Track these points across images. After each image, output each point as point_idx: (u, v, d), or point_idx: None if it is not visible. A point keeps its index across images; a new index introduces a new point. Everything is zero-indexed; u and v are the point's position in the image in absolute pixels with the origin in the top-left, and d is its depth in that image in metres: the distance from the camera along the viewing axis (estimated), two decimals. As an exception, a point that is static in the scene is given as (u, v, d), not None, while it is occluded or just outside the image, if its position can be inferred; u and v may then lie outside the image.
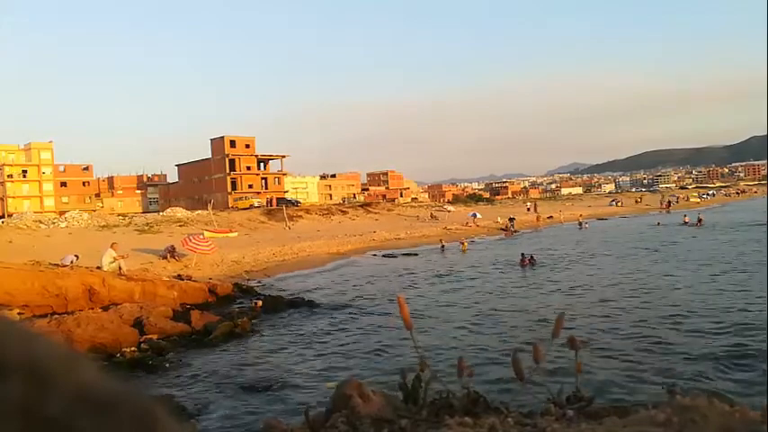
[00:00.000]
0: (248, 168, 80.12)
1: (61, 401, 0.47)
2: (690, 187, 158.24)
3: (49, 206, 76.12)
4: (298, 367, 11.05)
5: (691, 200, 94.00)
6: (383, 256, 32.04)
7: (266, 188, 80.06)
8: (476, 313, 15.51)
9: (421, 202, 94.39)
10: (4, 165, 79.27)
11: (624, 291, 18.07)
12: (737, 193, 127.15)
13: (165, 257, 26.61)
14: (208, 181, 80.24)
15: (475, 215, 54.18)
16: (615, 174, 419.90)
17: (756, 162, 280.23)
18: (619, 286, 19.05)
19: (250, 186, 78.36)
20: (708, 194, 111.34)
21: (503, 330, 13.35)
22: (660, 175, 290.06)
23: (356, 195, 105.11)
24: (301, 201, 75.90)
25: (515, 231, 47.30)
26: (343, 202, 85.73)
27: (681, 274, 20.97)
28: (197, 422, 8.18)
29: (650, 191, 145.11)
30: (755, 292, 16.34)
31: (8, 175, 78.86)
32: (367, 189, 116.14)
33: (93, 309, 14.16)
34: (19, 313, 13.30)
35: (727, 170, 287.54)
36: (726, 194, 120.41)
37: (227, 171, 77.86)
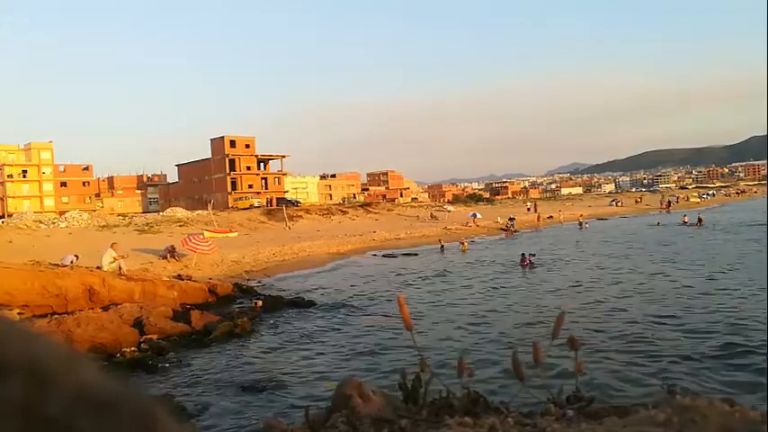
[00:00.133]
0: (248, 168, 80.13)
1: (61, 401, 0.47)
2: (690, 187, 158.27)
3: (49, 206, 76.14)
4: (298, 367, 11.05)
5: (691, 200, 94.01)
6: (383, 256, 32.04)
7: (266, 188, 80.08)
8: (476, 313, 15.51)
9: (421, 202, 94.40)
10: (4, 165, 79.29)
11: (624, 291, 18.07)
12: (737, 193, 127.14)
13: (165, 257, 26.61)
14: (208, 181, 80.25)
15: (475, 215, 54.19)
16: (615, 174, 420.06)
17: (756, 162, 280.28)
18: (619, 286, 19.05)
19: (250, 186, 78.37)
20: (708, 194, 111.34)
21: (503, 330, 13.35)
22: (660, 175, 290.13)
23: (356, 195, 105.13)
24: (301, 201, 75.92)
25: (515, 231, 47.31)
26: (343, 202, 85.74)
27: (680, 275, 20.96)
28: (197, 422, 8.18)
29: (650, 191, 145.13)
30: (754, 292, 16.37)
31: (8, 175, 78.87)
32: (367, 189, 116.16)
33: (93, 309, 14.15)
34: (19, 313, 13.30)
35: (727, 170, 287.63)
36: (726, 194, 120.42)
37: (227, 171, 77.87)
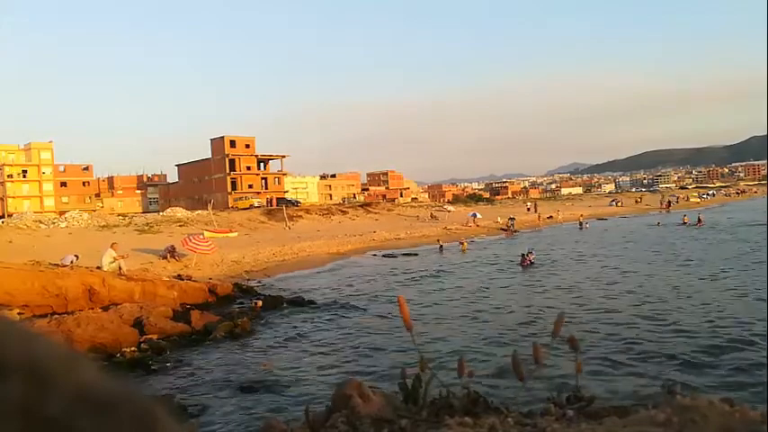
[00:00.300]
0: (248, 168, 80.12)
1: (61, 401, 0.47)
2: (690, 187, 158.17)
3: (49, 206, 76.12)
4: (298, 367, 11.05)
5: (691, 200, 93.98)
6: (383, 256, 32.05)
7: (266, 188, 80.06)
8: (476, 313, 15.51)
9: (421, 202, 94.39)
10: (4, 165, 79.27)
11: (624, 291, 18.08)
12: (737, 193, 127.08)
13: (165, 257, 26.61)
14: (208, 181, 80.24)
15: (475, 215, 54.18)
16: (615, 174, 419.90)
17: (756, 162, 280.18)
18: (618, 286, 19.06)
19: (250, 186, 78.36)
20: (708, 194, 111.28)
21: (503, 330, 13.35)
22: (660, 175, 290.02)
23: (356, 195, 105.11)
24: (301, 201, 75.90)
25: (515, 231, 47.32)
26: (343, 202, 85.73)
27: (680, 275, 20.99)
28: (197, 422, 8.18)
29: (650, 191, 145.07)
30: (754, 292, 16.41)
31: (8, 175, 78.86)
32: (367, 189, 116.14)
33: (93, 309, 14.15)
34: (19, 313, 13.30)
35: (727, 170, 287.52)
36: (726, 194, 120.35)
37: (227, 171, 77.87)
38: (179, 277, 19.74)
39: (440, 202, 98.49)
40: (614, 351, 11.05)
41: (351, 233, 42.32)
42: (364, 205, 68.67)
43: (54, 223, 38.84)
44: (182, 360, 11.70)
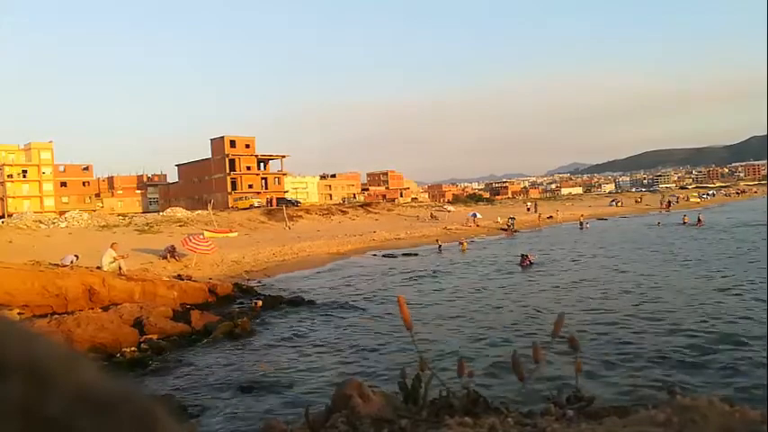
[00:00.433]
0: (248, 168, 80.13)
1: (61, 401, 0.47)
2: (690, 187, 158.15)
3: (49, 206, 76.14)
4: (297, 367, 11.05)
5: (691, 200, 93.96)
6: (383, 256, 32.04)
7: (266, 188, 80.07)
8: (476, 313, 15.52)
9: (421, 202, 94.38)
10: (4, 165, 79.28)
11: (624, 292, 18.08)
12: (737, 193, 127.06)
13: (165, 257, 26.62)
14: (208, 181, 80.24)
15: (475, 215, 54.19)
16: (615, 174, 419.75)
17: (756, 162, 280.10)
18: (619, 287, 19.05)
19: (250, 186, 78.37)
20: (708, 194, 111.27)
21: (503, 330, 13.35)
22: (660, 175, 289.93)
23: (356, 195, 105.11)
24: (301, 201, 75.90)
25: (515, 231, 47.32)
26: (343, 202, 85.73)
27: (679, 275, 21.00)
28: (197, 422, 8.18)
29: (650, 191, 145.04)
30: (751, 292, 16.41)
31: (8, 175, 78.87)
32: (367, 189, 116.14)
33: (93, 309, 14.15)
34: (19, 313, 13.30)
35: (727, 170, 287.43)
36: (726, 194, 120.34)
37: (227, 171, 77.87)
38: (179, 277, 19.74)
39: (440, 202, 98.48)
40: (613, 351, 11.04)
41: (351, 233, 42.32)
42: (364, 205, 68.67)
43: (54, 223, 38.84)
44: (182, 360, 11.70)
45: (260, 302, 16.64)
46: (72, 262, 18.93)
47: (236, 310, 16.21)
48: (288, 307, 16.82)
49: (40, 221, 39.18)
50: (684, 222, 45.59)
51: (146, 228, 39.46)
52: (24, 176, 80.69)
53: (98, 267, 18.36)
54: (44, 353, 0.50)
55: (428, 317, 14.98)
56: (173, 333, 13.35)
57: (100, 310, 13.92)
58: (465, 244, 34.79)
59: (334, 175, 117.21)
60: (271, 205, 62.43)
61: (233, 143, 79.50)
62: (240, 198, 72.62)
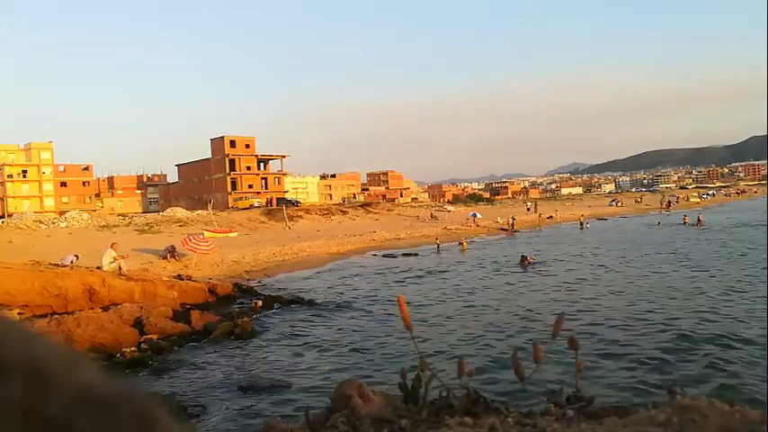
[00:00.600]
0: (248, 168, 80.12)
1: (61, 401, 0.47)
2: (690, 187, 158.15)
3: (49, 206, 76.12)
4: (297, 367, 11.05)
5: (691, 200, 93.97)
6: (383, 256, 32.05)
7: (266, 188, 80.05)
8: (475, 313, 15.53)
9: (421, 202, 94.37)
10: (4, 165, 79.26)
11: (623, 292, 18.10)
12: (737, 193, 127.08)
13: (165, 257, 26.62)
14: (208, 181, 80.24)
15: (475, 215, 54.20)
16: (615, 174, 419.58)
17: (756, 162, 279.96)
18: (618, 287, 19.07)
19: (250, 186, 78.36)
20: (708, 194, 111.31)
21: (503, 330, 13.36)
22: (660, 175, 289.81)
23: (356, 195, 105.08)
24: (301, 201, 75.89)
25: (515, 231, 47.33)
26: (343, 202, 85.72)
27: (678, 276, 21.01)
28: (197, 422, 8.18)
29: (650, 191, 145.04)
30: (749, 292, 16.44)
31: (8, 175, 78.86)
32: (367, 189, 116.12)
33: (93, 309, 14.15)
34: (19, 313, 13.30)
35: (727, 170, 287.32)
36: (726, 194, 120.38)
37: (227, 171, 77.87)
38: (179, 277, 19.74)
39: (440, 202, 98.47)
40: (605, 350, 11.05)
41: (351, 233, 42.33)
42: (364, 205, 68.66)
43: (54, 223, 38.84)
44: (182, 360, 11.70)
45: (260, 302, 16.65)
46: (72, 262, 18.93)
47: (236, 310, 16.21)
48: (288, 307, 16.83)
49: (40, 221, 39.18)
50: (685, 222, 45.59)
51: (146, 228, 39.46)
52: (24, 176, 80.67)
53: (98, 267, 18.36)
54: (44, 353, 0.50)
55: (428, 317, 14.98)
56: (173, 333, 13.35)
57: (100, 310, 13.92)
58: (465, 244, 34.79)
59: (334, 175, 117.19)
60: (271, 205, 62.41)
61: (233, 143, 79.48)
62: (240, 198, 72.62)
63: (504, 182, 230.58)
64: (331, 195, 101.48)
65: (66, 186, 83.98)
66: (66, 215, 43.28)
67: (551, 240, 38.78)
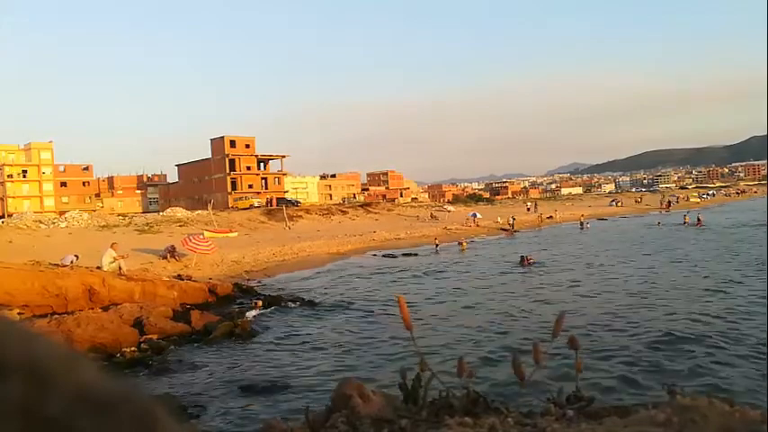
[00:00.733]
0: (248, 168, 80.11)
1: (61, 401, 0.47)
2: (690, 187, 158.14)
3: (49, 206, 76.11)
4: (297, 367, 11.05)
5: (691, 200, 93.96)
6: (383, 256, 32.05)
7: (266, 188, 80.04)
8: (475, 313, 15.53)
9: (421, 202, 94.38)
10: (4, 165, 79.25)
11: (623, 292, 18.09)
12: (737, 193, 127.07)
13: (165, 257, 26.62)
14: (208, 181, 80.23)
15: (475, 215, 54.21)
16: (615, 174, 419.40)
17: (756, 162, 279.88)
18: (617, 288, 19.07)
19: (250, 186, 78.35)
20: (708, 194, 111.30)
21: (503, 330, 13.36)
22: (660, 175, 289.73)
23: (356, 195, 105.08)
24: (301, 201, 75.88)
25: (515, 231, 47.34)
26: (343, 202, 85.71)
27: (676, 277, 21.01)
28: (197, 422, 8.18)
29: (650, 191, 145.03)
30: (748, 291, 16.44)
31: (8, 175, 78.85)
32: (367, 189, 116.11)
33: (93, 309, 14.16)
34: (19, 313, 13.30)
35: (727, 170, 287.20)
36: (726, 194, 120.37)
37: (227, 171, 77.86)
38: (179, 277, 19.75)
39: (440, 202, 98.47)
40: (610, 351, 11.06)
41: (351, 233, 42.32)
42: (364, 205, 68.66)
43: (54, 223, 38.84)
44: (182, 360, 11.70)
45: (260, 302, 16.65)
46: (72, 262, 18.93)
47: (236, 310, 16.21)
48: (288, 307, 16.83)
49: (40, 221, 39.18)
50: (685, 222, 45.59)
51: (146, 228, 39.46)
52: (24, 176, 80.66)
53: (98, 267, 18.36)
54: (44, 353, 0.50)
55: (428, 317, 14.98)
56: (173, 333, 13.36)
57: (100, 310, 13.92)
58: (465, 244, 34.79)
59: (334, 175, 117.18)
60: (271, 205, 62.40)
61: (233, 143, 79.48)
62: (240, 198, 72.61)
63: (504, 182, 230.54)
64: (331, 195, 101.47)
65: (66, 186, 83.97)
66: (66, 215, 43.28)
67: (551, 240, 38.78)
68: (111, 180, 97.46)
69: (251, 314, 15.35)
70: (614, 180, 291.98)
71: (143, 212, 64.72)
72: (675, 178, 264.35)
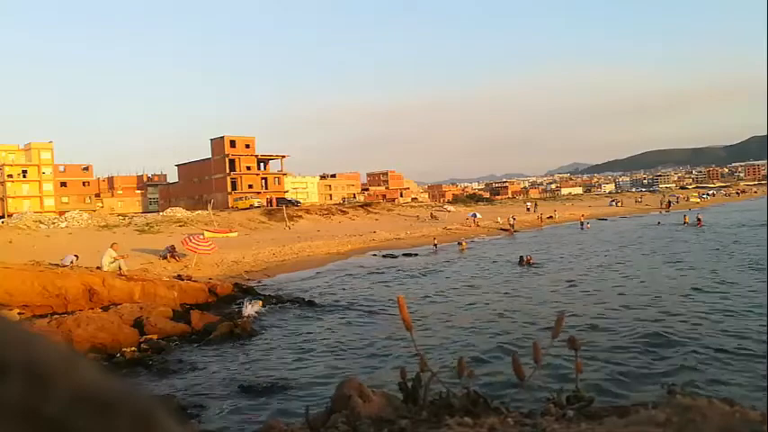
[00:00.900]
0: (248, 168, 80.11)
1: (61, 402, 0.47)
2: (690, 187, 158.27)
3: (49, 206, 76.10)
4: (297, 367, 11.05)
5: (691, 200, 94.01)
6: (383, 256, 32.05)
7: (266, 188, 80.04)
8: (475, 313, 15.52)
9: (421, 202, 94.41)
10: (4, 165, 79.26)
11: (623, 292, 18.09)
12: (737, 193, 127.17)
13: (165, 257, 26.61)
14: (208, 181, 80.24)
15: (475, 215, 54.23)
16: (615, 174, 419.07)
17: (756, 162, 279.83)
18: (617, 288, 19.07)
19: (250, 186, 78.35)
20: (708, 194, 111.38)
21: (502, 330, 13.35)
22: (660, 175, 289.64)
23: (356, 195, 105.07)
24: (301, 201, 75.88)
25: (515, 231, 47.35)
26: (343, 202, 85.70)
27: (677, 275, 21.02)
28: (197, 422, 8.18)
29: (650, 191, 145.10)
30: (748, 292, 16.45)
31: (8, 175, 78.86)
32: (367, 189, 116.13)
33: (93, 309, 14.16)
34: (19, 313, 13.30)
35: (726, 170, 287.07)
36: (726, 194, 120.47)
37: (228, 171, 77.87)
38: (179, 277, 19.74)
39: (440, 202, 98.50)
40: (614, 351, 11.06)
41: (351, 233, 42.31)
42: (364, 205, 68.65)
43: (54, 223, 38.85)
44: (182, 360, 11.70)
45: (260, 302, 16.64)
46: (72, 262, 18.93)
47: (236, 310, 16.20)
48: (288, 307, 16.83)
49: (40, 221, 39.17)
50: (685, 223, 45.60)
51: (146, 228, 39.45)
52: (24, 176, 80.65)
53: (98, 267, 18.37)
54: (44, 353, 0.50)
55: (428, 317, 14.98)
56: (173, 333, 13.35)
57: (100, 311, 13.93)
58: (464, 244, 34.80)
59: (334, 175, 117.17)
60: (271, 205, 62.40)
61: (233, 143, 79.48)
62: (240, 198, 72.61)
63: (504, 182, 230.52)
64: (331, 195, 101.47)
65: (66, 186, 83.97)
66: (66, 215, 43.27)
67: (551, 240, 38.78)
68: (111, 180, 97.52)
69: (249, 310, 15.33)
70: (614, 180, 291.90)
71: (143, 212, 64.73)
72: (675, 178, 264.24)
